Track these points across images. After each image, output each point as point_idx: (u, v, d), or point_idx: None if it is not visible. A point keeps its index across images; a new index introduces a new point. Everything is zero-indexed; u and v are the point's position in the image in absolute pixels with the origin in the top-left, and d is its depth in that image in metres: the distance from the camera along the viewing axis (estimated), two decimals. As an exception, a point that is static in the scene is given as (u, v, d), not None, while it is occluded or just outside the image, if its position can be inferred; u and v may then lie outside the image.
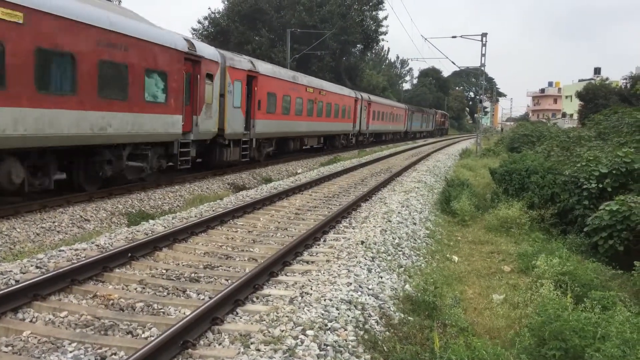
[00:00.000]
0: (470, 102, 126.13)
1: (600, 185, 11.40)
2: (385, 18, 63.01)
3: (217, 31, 48.67)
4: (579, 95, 55.25)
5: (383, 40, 59.26)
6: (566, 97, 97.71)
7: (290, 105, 23.94)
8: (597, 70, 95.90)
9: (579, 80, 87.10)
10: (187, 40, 15.48)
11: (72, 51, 11.01)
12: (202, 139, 16.79)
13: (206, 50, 16.58)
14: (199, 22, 51.23)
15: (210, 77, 16.53)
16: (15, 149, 10.20)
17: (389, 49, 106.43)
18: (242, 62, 19.10)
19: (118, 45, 12.31)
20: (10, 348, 4.63)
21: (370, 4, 53.30)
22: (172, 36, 14.76)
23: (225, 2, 50.80)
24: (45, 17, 10.22)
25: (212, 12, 50.97)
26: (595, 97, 50.04)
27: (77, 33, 11.06)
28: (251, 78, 19.63)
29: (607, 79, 61.18)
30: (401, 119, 52.28)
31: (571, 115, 78.21)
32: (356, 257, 7.70)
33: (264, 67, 21.32)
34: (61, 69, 10.88)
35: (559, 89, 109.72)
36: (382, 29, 55.48)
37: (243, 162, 20.03)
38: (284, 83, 23.24)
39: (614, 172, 11.35)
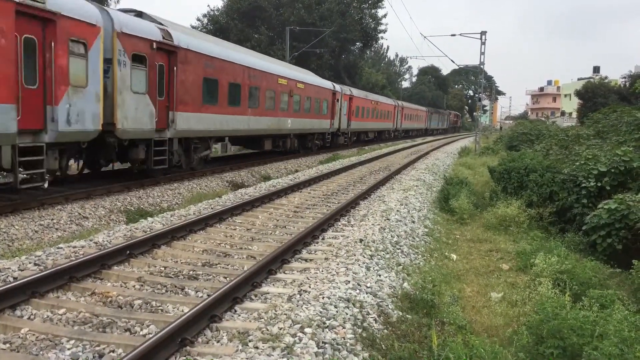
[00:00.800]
0: (470, 101, 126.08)
1: (599, 184, 11.42)
2: (385, 16, 63.35)
3: (216, 29, 48.56)
4: (578, 93, 55.29)
5: (382, 38, 59.40)
6: (565, 95, 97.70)
7: (365, 112, 39.59)
8: (596, 69, 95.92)
9: (578, 79, 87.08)
10: (333, 84, 32.58)
11: (316, 97, 28.25)
12: (333, 132, 32.88)
13: (338, 87, 33.27)
14: (198, 20, 51.19)
15: (338, 100, 32.66)
16: (294, 134, 26.03)
17: (388, 47, 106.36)
18: (346, 90, 35.28)
19: (320, 91, 29.17)
20: (8, 345, 4.63)
21: (370, 2, 53.25)
22: (329, 83, 32.21)
23: (225, 0, 50.75)
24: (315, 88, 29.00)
25: (211, 10, 50.94)
26: (594, 95, 50.08)
27: (319, 92, 28.88)
28: (350, 98, 35.39)
29: (606, 77, 61.21)
30: (422, 119, 66.88)
31: (570, 114, 78.27)
32: (355, 255, 7.70)
33: (355, 92, 37.66)
34: (319, 104, 28.93)
35: (558, 88, 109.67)
36: (381, 27, 55.56)
37: (344, 144, 35.89)
38: (362, 99, 38.90)
39: (612, 170, 11.37)
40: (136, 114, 13.30)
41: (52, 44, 10.55)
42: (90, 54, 11.65)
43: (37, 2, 10.11)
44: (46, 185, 10.87)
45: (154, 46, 13.74)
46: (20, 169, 10.21)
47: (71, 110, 11.20)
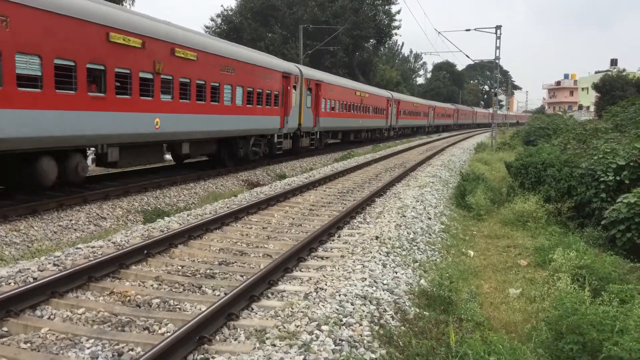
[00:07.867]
0: (485, 96, 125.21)
1: (618, 178, 11.26)
2: (398, 12, 62.94)
3: (230, 28, 48.80)
4: (596, 87, 54.48)
5: (396, 34, 59.08)
6: (582, 89, 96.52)
7: (407, 113, 49.27)
8: (614, 62, 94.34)
9: (596, 72, 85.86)
10: (388, 92, 44.73)
11: (379, 104, 40.50)
12: (387, 128, 43.29)
13: (390, 93, 43.77)
14: (212, 20, 51.51)
15: (390, 104, 43.19)
16: (366, 129, 38.89)
17: (402, 43, 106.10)
18: (396, 95, 45.78)
19: (380, 99, 40.86)
20: (29, 345, 4.70)
21: (383, -2, 53.09)
22: (386, 92, 43.83)
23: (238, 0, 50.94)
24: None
25: (224, 10, 51.15)
26: (612, 88, 49.31)
27: (380, 100, 40.88)
28: (398, 102, 45.24)
29: (624, 70, 60.11)
30: (451, 116, 76.30)
31: (588, 108, 77.33)
32: (371, 253, 7.69)
33: (402, 97, 48.11)
34: (380, 109, 41.33)
35: (575, 81, 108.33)
36: (395, 23, 55.38)
37: (392, 136, 46.35)
38: (406, 102, 48.99)
39: (631, 164, 11.20)
40: (307, 119, 25.31)
41: (289, 87, 22.49)
42: (296, 90, 23.49)
43: (286, 70, 22.19)
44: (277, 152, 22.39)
45: (314, 82, 26.15)
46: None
47: (291, 118, 22.72)
